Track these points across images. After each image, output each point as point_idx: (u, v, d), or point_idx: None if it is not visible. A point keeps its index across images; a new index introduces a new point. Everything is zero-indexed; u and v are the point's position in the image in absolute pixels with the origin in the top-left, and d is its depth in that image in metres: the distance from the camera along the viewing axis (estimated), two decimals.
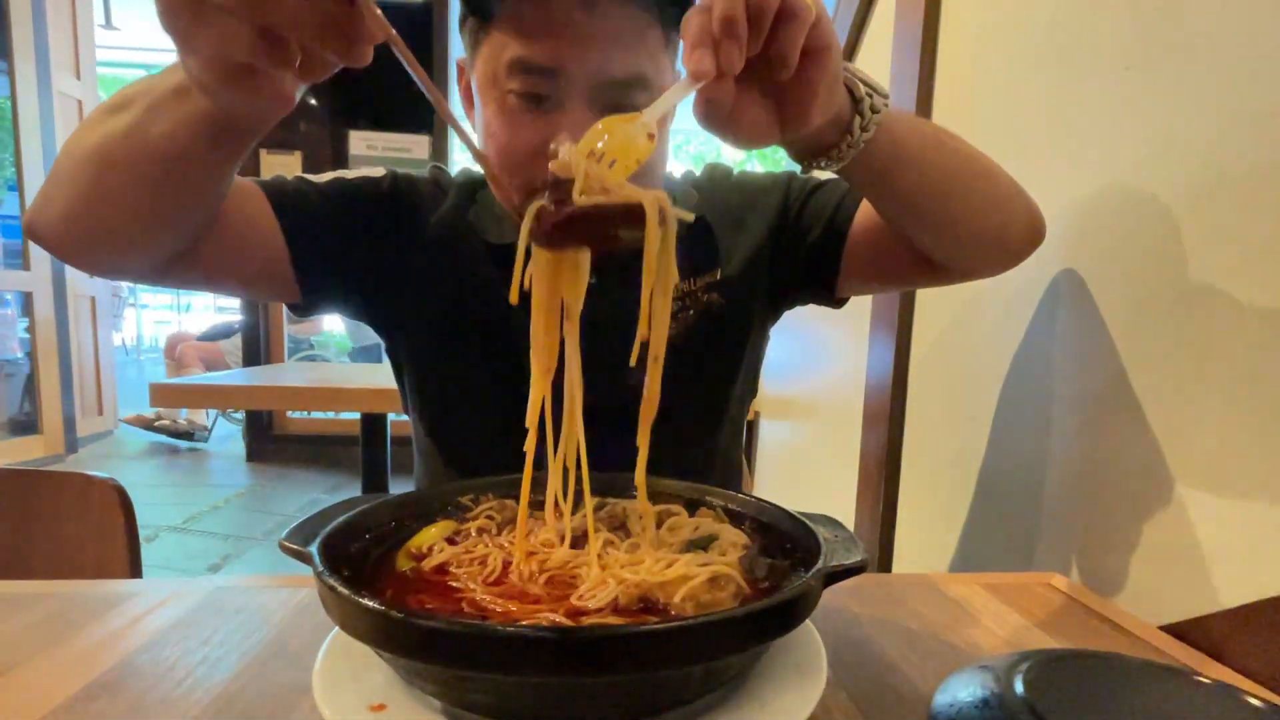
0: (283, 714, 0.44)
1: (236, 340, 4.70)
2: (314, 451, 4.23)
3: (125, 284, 6.91)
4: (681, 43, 0.44)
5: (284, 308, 0.98)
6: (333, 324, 5.09)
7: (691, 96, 0.45)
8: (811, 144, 0.53)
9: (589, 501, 0.50)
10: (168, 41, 0.41)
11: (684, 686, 0.38)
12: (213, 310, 9.06)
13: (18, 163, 3.85)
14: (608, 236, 0.41)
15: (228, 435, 4.78)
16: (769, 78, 0.45)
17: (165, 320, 10.59)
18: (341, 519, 0.49)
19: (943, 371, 1.10)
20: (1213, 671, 0.55)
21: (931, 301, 1.13)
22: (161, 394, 1.64)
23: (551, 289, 0.44)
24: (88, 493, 0.92)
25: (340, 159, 3.86)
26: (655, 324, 0.44)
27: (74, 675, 0.48)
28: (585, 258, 0.44)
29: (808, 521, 0.49)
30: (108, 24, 5.74)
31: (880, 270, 0.77)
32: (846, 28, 1.46)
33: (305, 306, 0.76)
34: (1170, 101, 0.66)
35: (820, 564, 0.42)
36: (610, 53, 0.64)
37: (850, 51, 1.48)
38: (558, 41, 0.63)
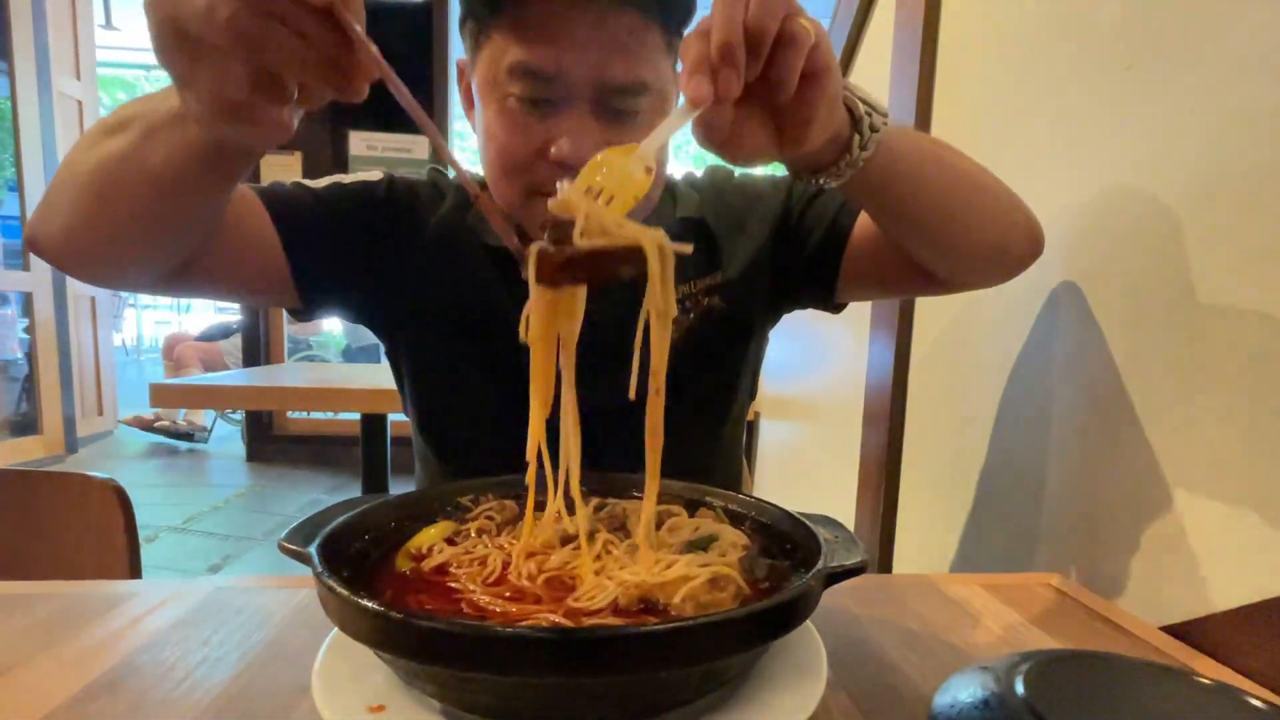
0: (283, 714, 0.44)
1: (236, 340, 4.70)
2: (314, 452, 4.23)
3: None
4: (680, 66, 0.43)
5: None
6: (332, 324, 5.08)
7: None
8: (811, 162, 0.53)
9: (582, 515, 0.49)
10: None
11: (684, 687, 0.38)
12: (212, 311, 9.02)
13: (18, 163, 3.85)
14: (608, 276, 0.41)
15: (227, 436, 4.78)
16: (768, 99, 0.45)
17: (165, 321, 10.59)
18: (341, 519, 0.49)
19: (943, 372, 1.10)
20: (1213, 671, 0.55)
21: (931, 302, 1.13)
22: (161, 394, 1.63)
23: (549, 323, 0.45)
24: (87, 493, 0.92)
25: (341, 159, 3.87)
26: (655, 355, 0.43)
27: (74, 675, 0.48)
28: (582, 292, 0.44)
29: (808, 522, 0.49)
30: (108, 24, 5.75)
31: (880, 278, 0.77)
32: (846, 30, 1.46)
33: (305, 311, 0.77)
34: (1170, 102, 0.66)
35: (820, 564, 0.42)
36: (611, 57, 0.64)
37: (849, 54, 1.48)
38: (559, 46, 0.63)
